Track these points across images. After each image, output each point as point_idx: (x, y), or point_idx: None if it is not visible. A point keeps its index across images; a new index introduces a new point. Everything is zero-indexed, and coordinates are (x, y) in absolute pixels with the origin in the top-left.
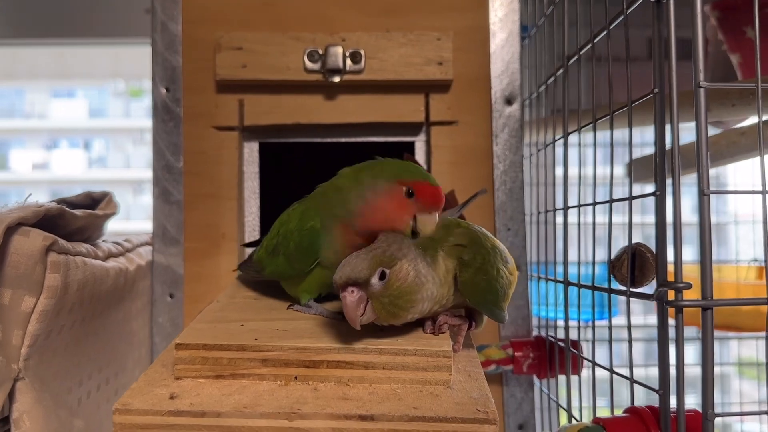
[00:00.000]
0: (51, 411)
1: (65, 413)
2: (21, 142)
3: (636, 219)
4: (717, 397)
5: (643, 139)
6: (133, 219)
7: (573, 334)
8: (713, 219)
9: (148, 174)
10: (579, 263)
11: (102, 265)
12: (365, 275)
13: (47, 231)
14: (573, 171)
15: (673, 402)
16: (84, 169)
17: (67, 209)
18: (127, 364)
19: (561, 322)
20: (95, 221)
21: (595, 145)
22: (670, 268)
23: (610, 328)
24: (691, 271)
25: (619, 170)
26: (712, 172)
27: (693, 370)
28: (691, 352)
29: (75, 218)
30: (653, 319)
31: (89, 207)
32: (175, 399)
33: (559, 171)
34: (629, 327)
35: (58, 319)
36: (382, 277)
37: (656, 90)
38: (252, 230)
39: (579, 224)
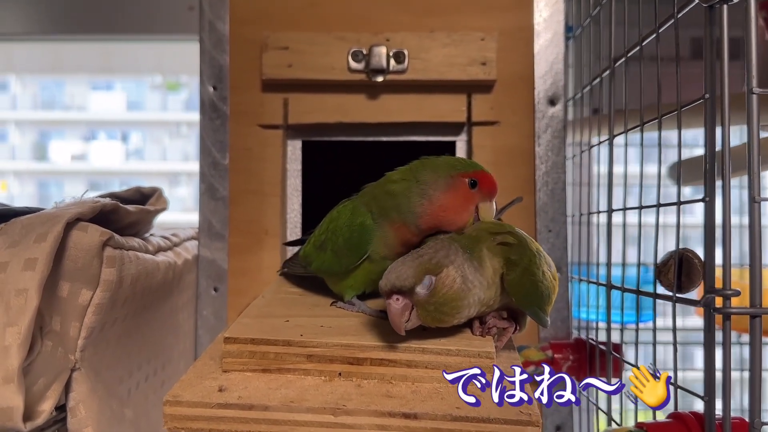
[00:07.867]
0: (104, 401)
1: (116, 403)
2: (60, 134)
3: (675, 220)
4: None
5: (685, 139)
6: (169, 210)
7: (614, 337)
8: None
9: (183, 167)
10: (624, 266)
11: (153, 260)
12: (410, 283)
13: (101, 226)
14: (618, 171)
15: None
16: (121, 161)
17: (121, 205)
18: (173, 355)
19: (601, 324)
20: (146, 216)
21: (642, 148)
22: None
23: (654, 331)
24: (735, 276)
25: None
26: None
27: (733, 375)
28: (733, 357)
29: (128, 213)
30: (690, 322)
31: (139, 202)
32: (223, 392)
33: (602, 171)
34: (674, 332)
35: (112, 311)
36: (428, 284)
37: (707, 95)
38: (294, 227)
39: (624, 226)
